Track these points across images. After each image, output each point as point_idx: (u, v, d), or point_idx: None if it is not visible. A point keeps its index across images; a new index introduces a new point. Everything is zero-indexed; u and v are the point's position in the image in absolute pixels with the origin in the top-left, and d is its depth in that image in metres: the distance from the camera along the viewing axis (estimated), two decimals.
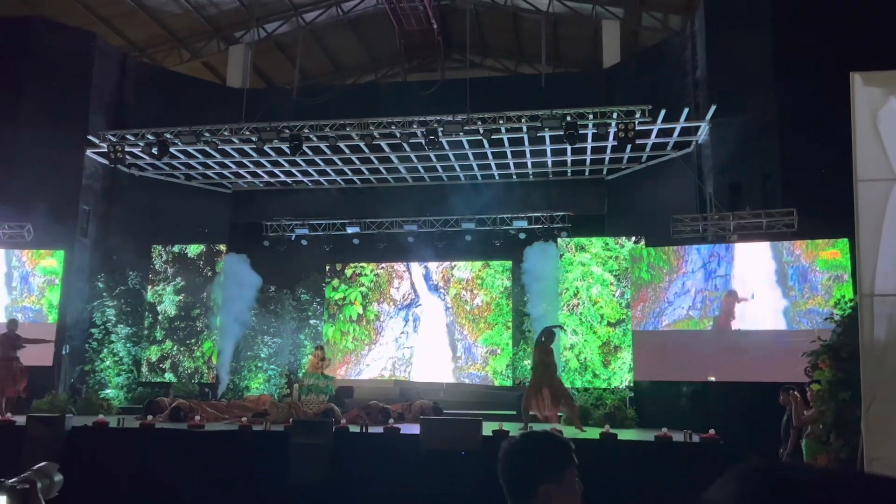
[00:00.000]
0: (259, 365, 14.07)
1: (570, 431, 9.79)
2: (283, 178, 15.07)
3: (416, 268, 14.87)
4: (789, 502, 0.74)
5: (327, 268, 15.13)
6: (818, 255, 10.19)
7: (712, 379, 10.71)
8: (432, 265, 14.78)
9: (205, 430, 9.80)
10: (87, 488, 7.71)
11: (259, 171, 14.64)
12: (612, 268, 12.90)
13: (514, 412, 11.22)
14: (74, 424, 9.52)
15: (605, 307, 12.81)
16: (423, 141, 12.21)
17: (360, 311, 14.89)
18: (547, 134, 12.37)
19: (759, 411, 8.68)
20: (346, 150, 13.49)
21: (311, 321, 14.82)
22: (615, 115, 11.65)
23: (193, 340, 13.95)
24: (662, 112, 11.59)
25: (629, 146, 12.07)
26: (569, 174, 14.49)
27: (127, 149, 12.99)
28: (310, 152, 13.38)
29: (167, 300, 14.10)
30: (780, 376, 8.43)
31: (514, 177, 14.65)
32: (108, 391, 13.08)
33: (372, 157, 13.75)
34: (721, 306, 10.75)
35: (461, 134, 12.19)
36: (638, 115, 11.48)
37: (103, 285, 13.60)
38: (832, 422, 6.58)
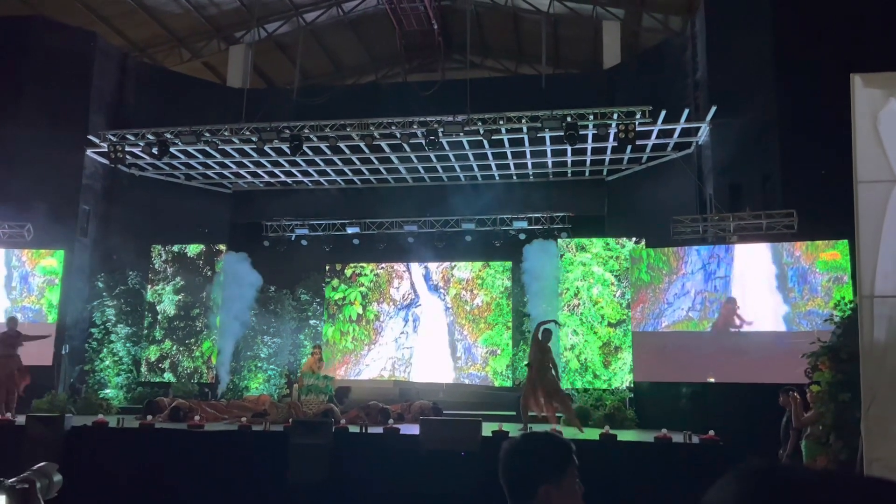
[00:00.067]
0: (259, 365, 14.07)
1: (569, 432, 9.79)
2: (283, 178, 15.07)
3: (416, 268, 14.87)
4: None
5: (327, 268, 15.13)
6: (818, 257, 10.19)
7: (712, 380, 10.71)
8: (432, 265, 14.78)
9: (204, 430, 9.80)
10: (86, 488, 7.71)
11: (259, 171, 14.64)
12: (613, 268, 12.91)
13: (514, 413, 11.22)
14: (74, 424, 9.52)
15: (606, 307, 12.81)
16: (423, 141, 12.21)
17: (360, 312, 14.89)
18: (547, 134, 12.37)
19: (759, 412, 8.69)
20: (347, 151, 13.49)
21: (311, 321, 14.82)
22: (615, 116, 11.65)
23: (193, 340, 13.96)
24: (663, 113, 11.59)
25: (629, 147, 12.08)
26: (569, 175, 14.49)
27: (127, 149, 12.99)
28: (310, 152, 13.38)
29: (167, 300, 14.10)
30: (779, 378, 8.43)
31: (515, 177, 14.65)
32: (107, 391, 13.08)
33: (372, 157, 13.75)
34: (720, 310, 10.74)
35: (461, 134, 12.20)
36: (638, 116, 11.49)
37: (103, 285, 13.60)
38: (832, 423, 6.58)
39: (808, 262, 10.24)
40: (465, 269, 14.61)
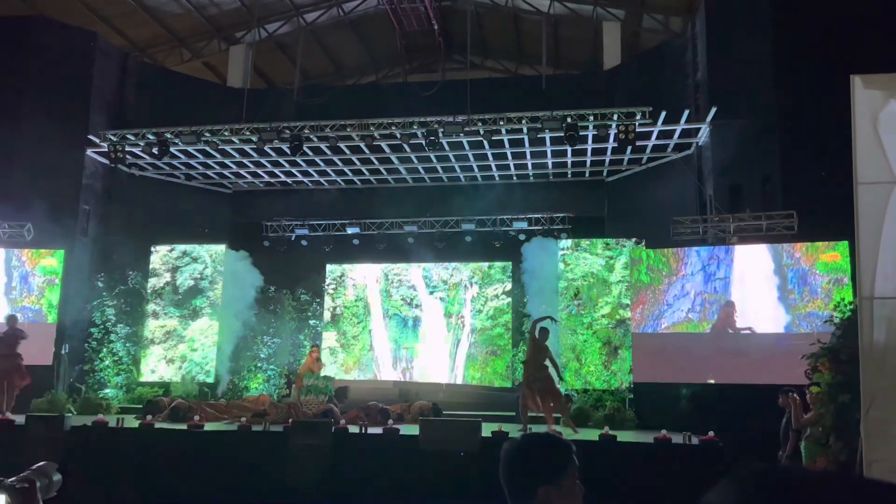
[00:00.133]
0: (258, 365, 14.06)
1: (567, 432, 9.79)
2: (283, 178, 15.08)
3: (416, 269, 14.87)
4: None
5: (327, 270, 15.13)
6: (818, 258, 10.19)
7: (712, 381, 10.71)
8: (432, 266, 14.78)
9: (204, 430, 9.80)
10: (86, 488, 7.71)
11: (259, 171, 14.65)
12: (613, 268, 12.90)
13: (514, 413, 11.22)
14: (74, 424, 9.54)
15: (606, 308, 12.81)
16: (423, 142, 12.22)
17: (360, 312, 14.90)
18: (547, 135, 12.37)
19: (759, 414, 8.68)
20: (347, 151, 13.49)
21: (311, 322, 14.83)
22: (615, 117, 11.65)
23: (193, 340, 13.94)
24: (663, 114, 11.60)
25: (629, 148, 12.08)
26: (569, 175, 14.50)
27: (127, 148, 13.00)
28: (310, 153, 13.38)
29: (167, 299, 14.09)
30: (779, 379, 8.43)
31: (515, 178, 14.65)
32: (107, 391, 13.07)
33: (372, 157, 13.75)
34: (719, 313, 10.74)
35: (461, 135, 12.20)
36: (638, 117, 11.49)
37: (103, 285, 13.60)
38: (831, 424, 6.58)
39: (808, 264, 10.24)
40: (464, 270, 14.59)
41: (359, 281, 15.12)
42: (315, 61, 18.33)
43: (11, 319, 11.07)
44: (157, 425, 10.07)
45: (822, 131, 9.42)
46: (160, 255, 14.24)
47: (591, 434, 9.63)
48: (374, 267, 15.07)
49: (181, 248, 14.21)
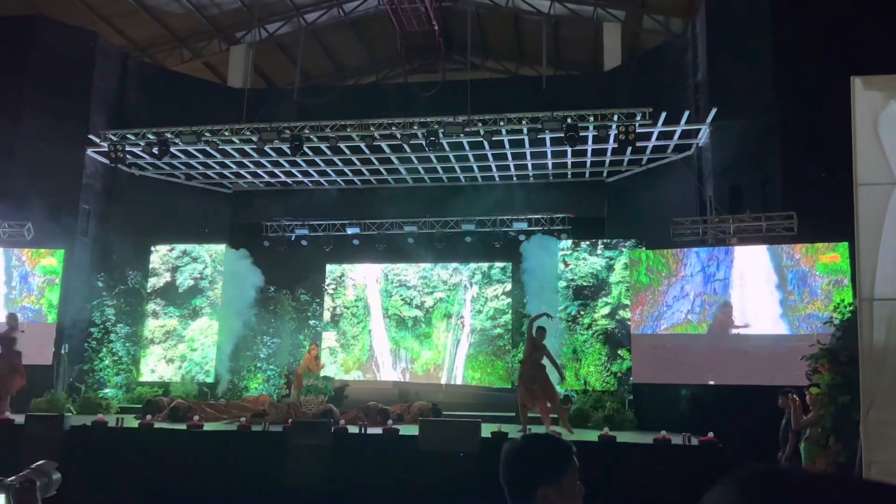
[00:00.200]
0: (258, 365, 14.06)
1: (564, 433, 9.79)
2: (283, 178, 15.08)
3: (416, 269, 14.87)
4: None
5: (327, 270, 15.13)
6: (818, 259, 10.19)
7: (711, 382, 10.71)
8: (432, 266, 14.78)
9: (203, 430, 9.80)
10: (85, 487, 7.71)
11: (259, 171, 14.65)
12: (613, 268, 12.90)
13: (514, 414, 11.22)
14: (73, 424, 9.53)
15: (606, 308, 12.81)
16: (423, 142, 12.22)
17: (360, 312, 14.90)
18: (547, 136, 12.38)
19: (758, 415, 8.68)
20: (347, 151, 13.49)
21: (311, 322, 14.83)
22: (616, 118, 11.66)
23: (192, 340, 13.94)
24: (663, 115, 11.60)
25: (629, 148, 12.08)
26: (569, 176, 14.50)
27: (128, 148, 13.00)
28: (310, 153, 13.38)
29: (167, 299, 14.09)
30: (778, 380, 8.43)
31: (515, 178, 14.65)
32: (107, 390, 13.07)
33: (372, 157, 13.76)
34: (716, 315, 10.74)
35: (462, 135, 12.20)
36: (638, 118, 11.49)
37: (103, 284, 13.60)
38: (831, 425, 6.57)
39: (808, 265, 10.24)
40: (464, 271, 14.60)
41: (359, 281, 15.13)
42: (315, 61, 18.33)
43: (11, 319, 11.07)
44: (157, 425, 10.07)
45: (822, 132, 9.42)
46: (160, 255, 14.24)
47: (591, 435, 9.63)
48: (374, 267, 15.07)
49: (181, 247, 14.22)
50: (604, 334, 12.66)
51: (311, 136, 12.58)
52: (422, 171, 14.54)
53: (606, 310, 12.79)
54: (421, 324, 14.63)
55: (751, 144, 10.92)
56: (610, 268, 12.92)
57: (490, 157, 13.62)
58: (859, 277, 5.42)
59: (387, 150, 13.38)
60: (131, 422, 10.20)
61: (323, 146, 13.03)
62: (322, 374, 12.07)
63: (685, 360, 10.81)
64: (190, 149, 13.32)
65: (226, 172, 14.79)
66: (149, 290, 14.05)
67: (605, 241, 13.20)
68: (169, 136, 12.64)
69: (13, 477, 1.63)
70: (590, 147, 12.94)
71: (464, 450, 8.51)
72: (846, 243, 9.54)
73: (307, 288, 14.97)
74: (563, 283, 13.02)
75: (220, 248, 14.23)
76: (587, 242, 13.21)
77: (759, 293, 10.52)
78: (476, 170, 14.33)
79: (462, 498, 7.68)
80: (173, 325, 13.91)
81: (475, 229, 14.35)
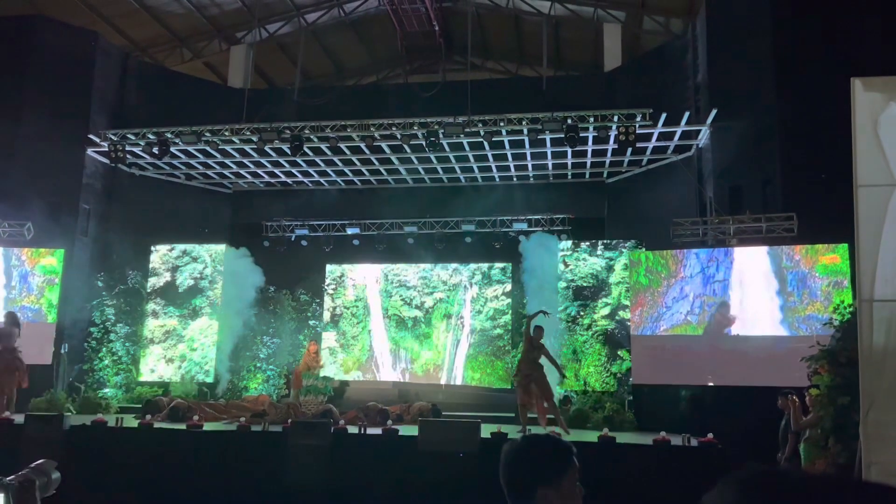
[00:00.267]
0: (258, 365, 14.06)
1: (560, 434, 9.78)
2: (283, 178, 15.08)
3: (416, 269, 14.87)
4: None
5: (327, 270, 15.13)
6: (818, 261, 10.19)
7: (711, 383, 10.71)
8: (432, 266, 14.78)
9: (203, 429, 9.80)
10: (85, 487, 7.70)
11: (259, 171, 14.65)
12: (613, 269, 12.90)
13: (513, 414, 11.23)
14: (73, 423, 9.53)
15: (606, 309, 12.80)
16: (423, 142, 12.22)
17: (360, 312, 14.90)
18: (548, 136, 12.38)
19: (758, 416, 8.68)
20: (347, 151, 13.50)
21: (311, 322, 14.82)
22: (616, 119, 11.66)
23: (192, 339, 13.94)
24: (663, 116, 11.60)
25: (630, 149, 12.08)
26: (569, 177, 14.50)
27: (128, 148, 13.01)
28: (310, 153, 13.39)
29: (167, 299, 14.09)
30: (778, 381, 8.43)
31: (515, 179, 14.65)
32: (106, 390, 13.08)
33: (372, 158, 13.76)
34: (713, 314, 10.74)
35: (462, 136, 12.20)
36: (639, 119, 11.50)
37: (103, 284, 13.60)
38: (830, 427, 6.58)
39: (808, 266, 10.24)
40: (464, 271, 14.60)
41: (359, 281, 15.13)
42: (316, 62, 18.33)
43: (10, 317, 11.07)
44: (157, 425, 10.07)
45: (822, 134, 9.42)
46: (160, 255, 14.24)
47: (591, 436, 9.63)
48: (374, 267, 15.08)
49: (181, 247, 14.22)
50: (603, 335, 12.66)
51: (312, 137, 12.58)
52: (422, 172, 14.54)
53: (606, 310, 12.79)
54: (421, 324, 14.62)
55: (751, 145, 10.92)
56: (610, 268, 12.93)
57: (490, 158, 13.62)
58: (859, 279, 5.42)
59: (387, 150, 13.38)
60: (131, 422, 10.20)
61: (323, 146, 13.03)
62: (322, 374, 12.07)
63: (685, 361, 10.80)
64: (190, 149, 13.32)
65: (226, 172, 14.79)
66: (149, 290, 14.05)
67: (604, 241, 13.20)
68: (169, 136, 12.64)
69: (12, 476, 1.63)
70: (590, 148, 12.94)
71: (463, 450, 8.51)
72: (846, 245, 9.54)
73: (307, 288, 14.96)
74: (563, 284, 13.01)
75: (220, 248, 14.23)
76: (587, 243, 13.21)
77: (758, 294, 10.52)
78: (476, 170, 14.33)
79: (462, 498, 7.67)
80: (173, 324, 13.91)
81: (475, 230, 14.35)
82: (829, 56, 9.75)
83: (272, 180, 15.26)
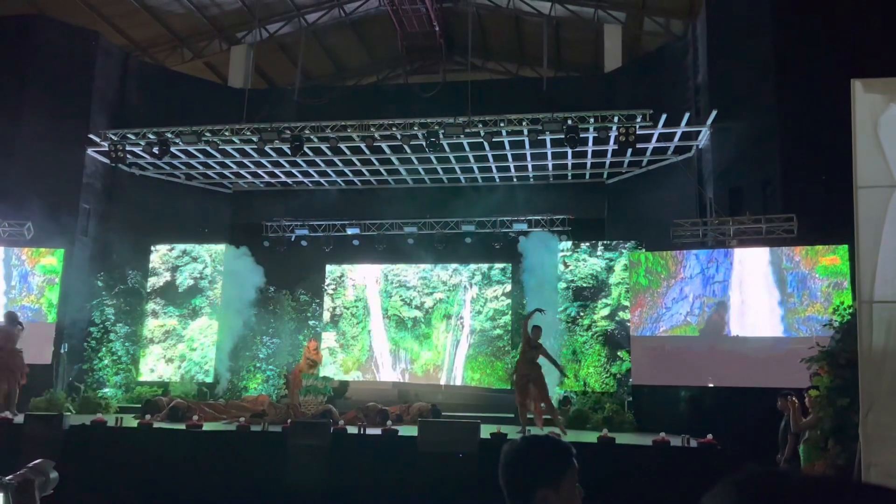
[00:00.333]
0: (258, 365, 14.06)
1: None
2: (283, 178, 15.08)
3: (415, 269, 14.87)
4: None
5: (327, 271, 15.13)
6: (818, 262, 10.18)
7: (711, 384, 10.71)
8: (431, 267, 14.78)
9: (203, 429, 9.80)
10: (84, 487, 7.72)
11: (259, 171, 14.66)
12: (613, 269, 12.90)
13: (513, 415, 11.23)
14: (72, 423, 9.53)
15: (606, 309, 12.81)
16: (423, 143, 12.22)
17: (360, 313, 14.90)
18: (548, 137, 12.38)
19: (757, 417, 8.68)
20: (347, 152, 13.50)
21: (311, 322, 14.82)
22: (616, 119, 11.66)
23: (192, 339, 13.94)
24: (663, 117, 11.61)
25: (630, 150, 12.09)
26: (569, 178, 14.50)
27: (128, 148, 13.01)
28: (310, 153, 13.39)
29: (166, 299, 14.08)
30: (778, 382, 8.43)
31: (515, 180, 14.66)
32: (106, 390, 13.08)
33: (372, 158, 13.76)
34: (711, 315, 10.74)
35: (462, 136, 12.21)
36: (639, 120, 11.50)
37: (102, 284, 13.60)
38: (830, 428, 6.57)
39: (808, 267, 10.24)
40: (464, 272, 14.60)
41: (358, 281, 15.13)
42: (316, 62, 18.33)
43: (10, 316, 11.06)
44: (156, 425, 10.06)
45: (822, 135, 9.42)
46: (160, 255, 14.24)
47: (590, 436, 9.63)
48: (374, 268, 15.08)
49: (181, 247, 14.22)
50: (603, 336, 12.66)
51: (312, 137, 12.58)
52: (422, 172, 14.54)
53: (606, 311, 12.79)
54: (420, 324, 14.63)
55: (751, 146, 10.92)
56: (610, 269, 12.93)
57: (490, 158, 13.62)
58: (859, 280, 5.42)
59: (387, 150, 13.38)
60: (130, 421, 10.19)
61: (323, 146, 13.03)
62: (321, 374, 12.07)
63: (684, 361, 10.80)
64: (190, 149, 13.32)
65: (226, 172, 14.80)
66: (148, 290, 14.05)
67: (604, 242, 13.20)
68: (169, 135, 12.64)
69: (11, 476, 1.63)
70: (590, 148, 12.94)
71: (463, 451, 8.51)
72: (846, 246, 9.54)
73: (307, 288, 14.97)
74: (562, 285, 13.01)
75: (220, 247, 14.23)
76: (587, 244, 13.21)
77: (758, 295, 10.52)
78: (476, 171, 14.33)
79: (461, 499, 7.67)
80: (173, 324, 13.91)
81: (475, 230, 14.35)
82: (829, 57, 9.75)
83: (272, 180, 15.26)
